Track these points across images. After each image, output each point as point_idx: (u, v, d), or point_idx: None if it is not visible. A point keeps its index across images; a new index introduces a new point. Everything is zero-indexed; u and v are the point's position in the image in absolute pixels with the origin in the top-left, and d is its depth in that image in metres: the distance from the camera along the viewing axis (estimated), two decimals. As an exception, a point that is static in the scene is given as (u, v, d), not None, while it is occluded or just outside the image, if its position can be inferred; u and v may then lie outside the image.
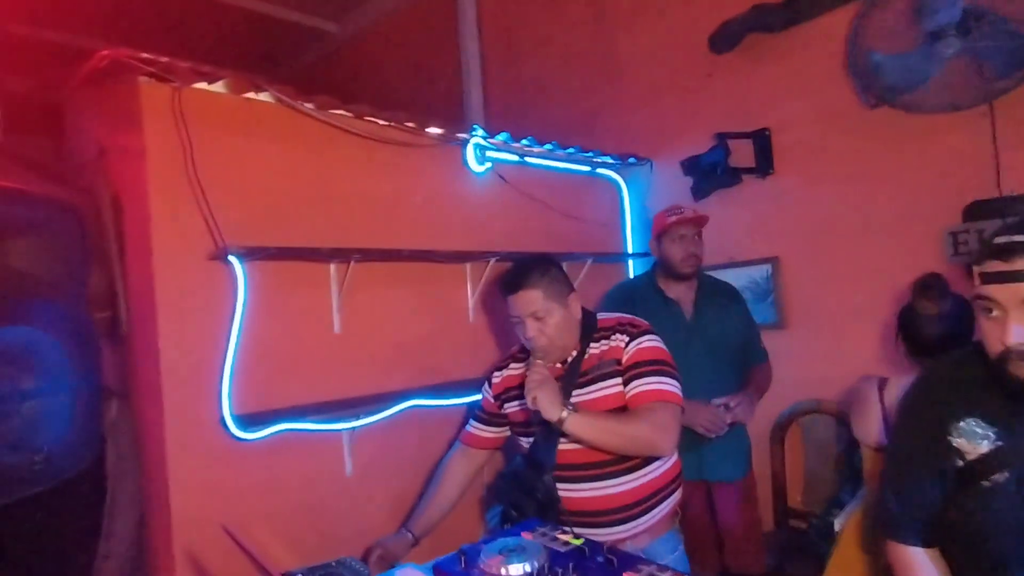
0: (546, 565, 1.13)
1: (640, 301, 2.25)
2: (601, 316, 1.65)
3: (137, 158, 1.84)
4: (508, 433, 1.77)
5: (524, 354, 1.69)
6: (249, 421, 1.83)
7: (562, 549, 1.21)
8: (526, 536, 1.28)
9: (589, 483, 1.50)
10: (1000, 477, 1.05)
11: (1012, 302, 0.96)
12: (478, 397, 2.42)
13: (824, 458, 2.60)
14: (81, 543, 1.86)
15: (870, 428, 1.75)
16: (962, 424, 1.10)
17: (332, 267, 2.13)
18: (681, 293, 2.31)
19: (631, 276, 3.11)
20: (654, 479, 1.55)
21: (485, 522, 2.45)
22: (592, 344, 1.57)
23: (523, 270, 1.55)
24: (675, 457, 1.62)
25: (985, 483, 1.06)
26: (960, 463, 1.10)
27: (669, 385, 1.49)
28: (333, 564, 1.80)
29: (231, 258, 1.78)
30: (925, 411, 1.17)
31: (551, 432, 1.51)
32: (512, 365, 1.73)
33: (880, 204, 2.44)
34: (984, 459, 1.07)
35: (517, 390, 1.64)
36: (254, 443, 1.85)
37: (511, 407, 1.68)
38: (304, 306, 2.08)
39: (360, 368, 2.18)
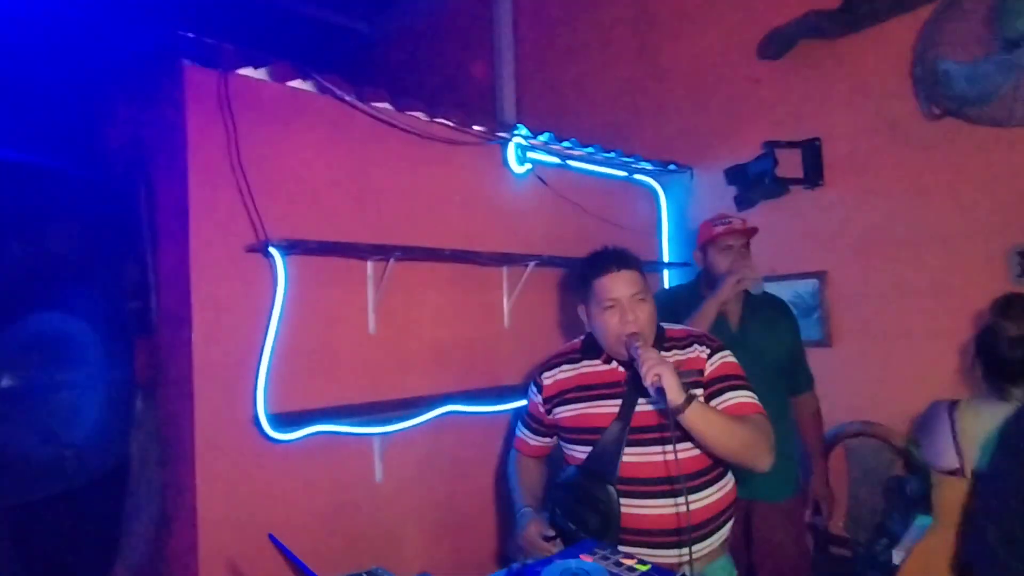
0: (614, 593, 1.04)
1: (684, 310, 2.15)
2: (667, 326, 1.55)
3: (176, 144, 1.78)
4: (556, 442, 1.66)
5: (578, 354, 1.58)
6: (282, 421, 1.75)
7: (627, 575, 1.12)
8: (585, 559, 1.19)
9: (655, 499, 1.39)
10: None
11: None
12: (514, 405, 2.34)
13: (871, 483, 2.48)
14: (98, 542, 1.78)
15: (939, 450, 1.66)
16: (1079, 457, 1.00)
17: (369, 265, 2.06)
18: (728, 304, 2.20)
19: (665, 287, 3.02)
20: (719, 499, 1.45)
21: (516, 537, 2.36)
22: (662, 352, 1.47)
23: (621, 251, 1.48)
24: (734, 479, 1.53)
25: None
26: (1077, 500, 1.00)
27: (759, 402, 1.42)
28: (364, 574, 1.72)
29: (272, 251, 1.71)
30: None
31: (617, 440, 1.41)
32: (564, 366, 1.59)
33: (938, 219, 2.33)
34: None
35: (574, 392, 1.54)
36: (285, 444, 1.78)
37: (564, 412, 1.56)
38: (339, 304, 2.01)
39: (393, 371, 2.11)
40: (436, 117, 2.24)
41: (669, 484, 1.39)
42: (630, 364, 1.46)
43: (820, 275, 2.63)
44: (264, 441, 1.75)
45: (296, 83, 1.90)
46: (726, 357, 1.47)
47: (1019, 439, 1.12)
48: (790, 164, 2.68)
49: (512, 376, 2.43)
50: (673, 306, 2.24)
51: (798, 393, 2.23)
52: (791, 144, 2.66)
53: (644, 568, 1.14)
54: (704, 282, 2.27)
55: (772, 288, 2.50)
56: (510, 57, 3.73)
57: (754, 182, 2.73)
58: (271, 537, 0.99)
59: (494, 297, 2.44)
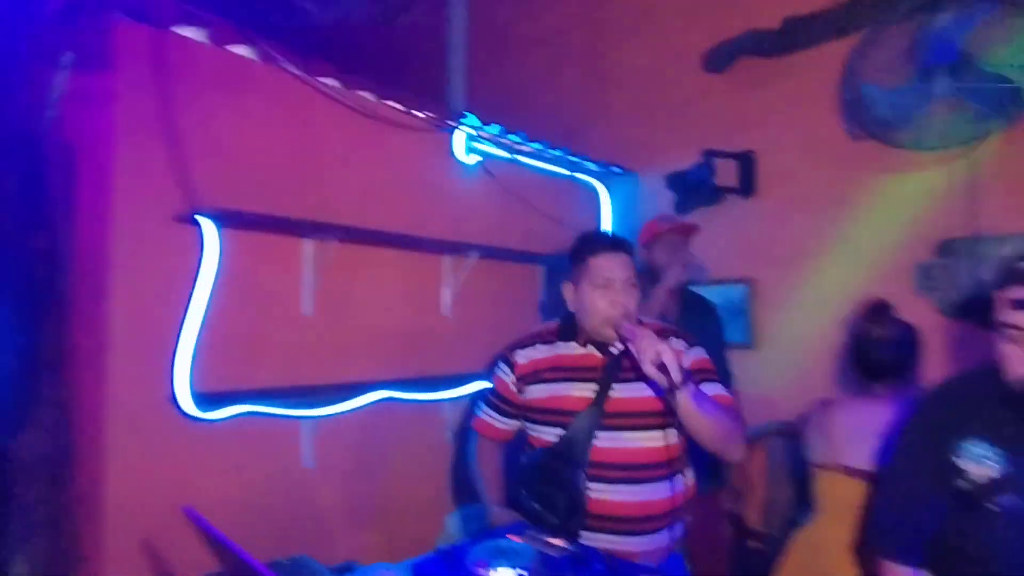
0: (541, 570, 1.05)
1: None
2: (644, 319, 1.56)
3: (102, 103, 1.67)
4: (520, 426, 1.61)
5: (553, 336, 1.56)
6: (205, 400, 1.67)
7: (555, 554, 1.14)
8: (514, 539, 1.20)
9: (626, 485, 1.39)
10: (1007, 501, 1.04)
11: None
12: (451, 394, 2.33)
13: (785, 479, 2.62)
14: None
15: (813, 445, 1.81)
16: (968, 445, 1.09)
17: (308, 244, 2.00)
18: (666, 303, 2.28)
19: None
20: (685, 490, 1.46)
21: (444, 527, 2.35)
22: None
23: (619, 235, 1.51)
24: (694, 475, 1.54)
25: (991, 506, 1.06)
26: (964, 485, 1.10)
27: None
28: (286, 562, 1.66)
29: (203, 220, 1.63)
30: (928, 431, 1.16)
31: (591, 425, 1.41)
32: (539, 346, 1.55)
33: (856, 234, 2.50)
34: (992, 482, 1.06)
35: (549, 372, 1.52)
36: (208, 425, 1.70)
37: (536, 391, 1.52)
38: (274, 283, 1.94)
39: (328, 355, 2.05)
40: (385, 99, 2.21)
41: (637, 471, 1.40)
42: (607, 349, 1.48)
43: (749, 281, 2.76)
44: (184, 420, 1.66)
45: (238, 49, 1.82)
46: (702, 353, 1.50)
47: (905, 428, 1.21)
48: (727, 174, 2.80)
49: (451, 366, 2.41)
50: None
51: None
52: (728, 155, 2.78)
53: (572, 548, 1.16)
54: (648, 278, 2.34)
55: (705, 292, 2.61)
56: (462, 48, 3.71)
57: (692, 189, 2.84)
58: (187, 510, 0.93)
59: (436, 286, 2.41)
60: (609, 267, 1.43)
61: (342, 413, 1.98)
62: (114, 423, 1.59)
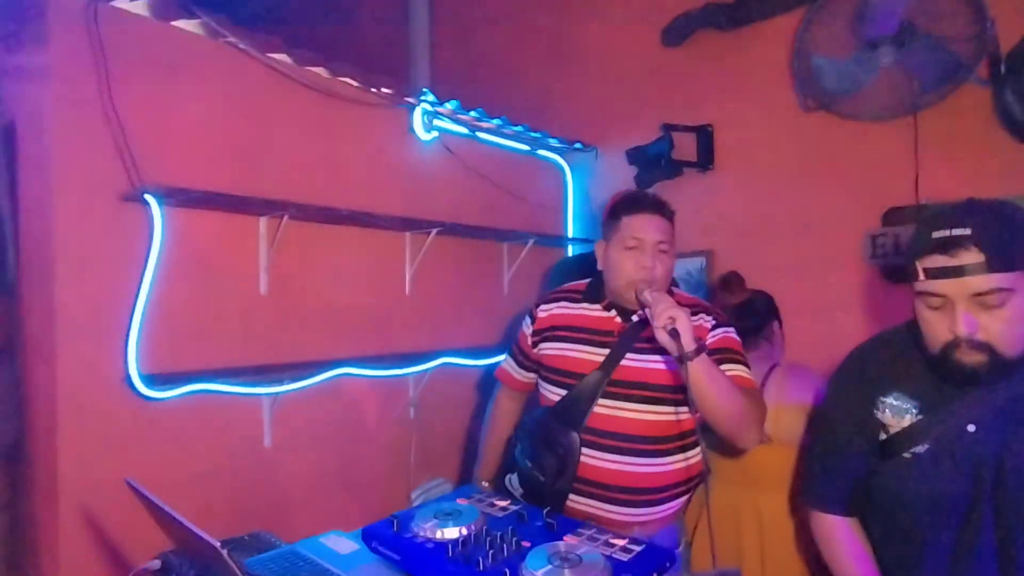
0: (484, 528, 1.09)
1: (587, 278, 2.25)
2: (676, 291, 1.52)
3: (40, 79, 1.63)
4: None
5: (579, 295, 1.53)
6: (159, 380, 1.67)
7: (500, 514, 1.18)
8: (462, 502, 1.23)
9: (619, 455, 1.37)
10: (920, 449, 1.10)
11: (959, 295, 0.99)
12: (414, 370, 2.35)
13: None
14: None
15: None
16: (888, 399, 1.15)
17: (262, 222, 1.98)
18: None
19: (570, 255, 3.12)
20: (683, 467, 1.42)
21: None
22: None
23: (660, 198, 1.45)
24: (700, 454, 1.48)
25: (905, 455, 1.12)
26: (883, 436, 1.16)
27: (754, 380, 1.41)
28: (246, 538, 1.68)
29: (149, 198, 1.61)
30: (854, 387, 1.21)
31: (594, 390, 1.39)
32: (563, 302, 1.52)
33: (810, 205, 2.56)
34: (905, 431, 1.12)
35: (564, 331, 1.49)
36: (163, 404, 1.70)
37: (549, 348, 1.50)
38: (228, 262, 1.93)
39: (286, 333, 2.05)
40: (339, 75, 2.18)
41: (635, 443, 1.37)
42: (630, 315, 1.44)
43: (707, 253, 2.81)
44: (138, 400, 1.66)
45: (181, 23, 1.78)
46: (729, 332, 1.44)
47: (832, 386, 1.27)
48: (685, 148, 2.83)
49: (412, 343, 2.43)
50: (576, 272, 2.34)
51: None
52: (686, 128, 2.81)
53: (516, 508, 1.20)
54: None
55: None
56: (425, 23, 3.66)
57: (652, 163, 2.86)
58: (128, 482, 0.95)
59: (396, 263, 2.42)
60: (641, 228, 1.39)
61: (300, 390, 1.99)
62: (65, 405, 1.59)
